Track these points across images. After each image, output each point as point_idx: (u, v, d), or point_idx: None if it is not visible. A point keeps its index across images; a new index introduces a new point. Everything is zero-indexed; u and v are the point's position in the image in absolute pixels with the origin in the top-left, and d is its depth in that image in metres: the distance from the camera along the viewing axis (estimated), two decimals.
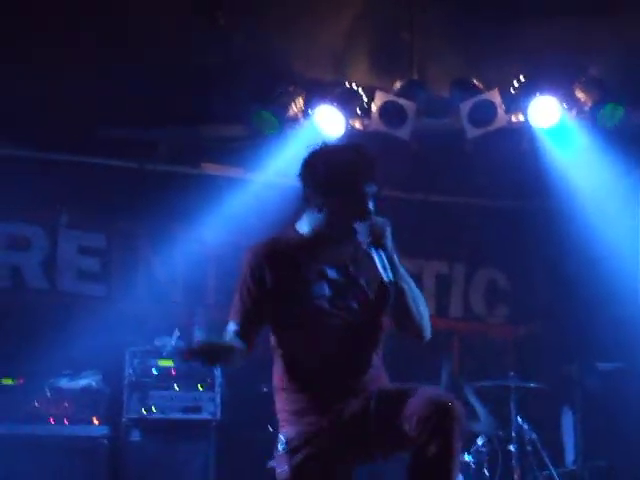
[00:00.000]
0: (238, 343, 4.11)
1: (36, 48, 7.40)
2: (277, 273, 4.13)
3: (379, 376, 4.23)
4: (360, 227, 4.00)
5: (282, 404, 4.23)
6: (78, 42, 7.47)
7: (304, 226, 4.24)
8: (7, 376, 7.84)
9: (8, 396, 7.75)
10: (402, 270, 4.04)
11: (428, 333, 4.15)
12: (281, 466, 4.09)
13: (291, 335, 4.20)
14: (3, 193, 8.29)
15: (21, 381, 7.88)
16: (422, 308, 4.11)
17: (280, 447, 4.11)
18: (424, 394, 3.93)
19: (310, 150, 4.23)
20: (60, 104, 7.86)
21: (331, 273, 4.15)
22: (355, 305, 4.15)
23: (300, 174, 4.20)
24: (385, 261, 3.95)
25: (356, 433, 4.03)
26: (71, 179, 8.46)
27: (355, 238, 4.04)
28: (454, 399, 3.94)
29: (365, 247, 4.01)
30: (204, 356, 3.89)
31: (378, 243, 3.98)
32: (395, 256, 4.01)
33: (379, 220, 4.04)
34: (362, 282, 4.17)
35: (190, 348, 3.89)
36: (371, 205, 4.10)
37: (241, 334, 4.17)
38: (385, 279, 3.97)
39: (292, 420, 4.15)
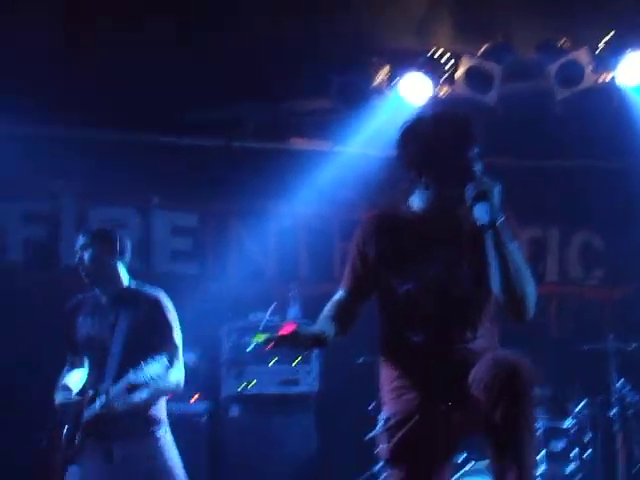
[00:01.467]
0: (337, 315, 4.13)
1: (123, 33, 7.48)
2: (383, 246, 4.11)
3: (488, 349, 4.04)
4: (468, 188, 3.85)
5: (383, 380, 4.22)
6: (161, 26, 7.51)
7: (415, 203, 4.16)
8: None
9: None
10: (509, 240, 3.83)
11: (529, 315, 3.87)
12: (381, 444, 4.08)
13: (392, 310, 4.15)
14: (96, 177, 8.42)
15: None
16: (527, 288, 3.84)
17: (379, 425, 4.10)
18: (489, 357, 3.83)
19: (401, 130, 4.12)
20: (147, 87, 7.92)
21: (438, 250, 4.02)
22: (460, 282, 4.00)
23: (398, 156, 4.11)
24: (485, 210, 3.80)
25: (452, 414, 3.96)
26: (161, 161, 8.53)
27: (467, 205, 3.86)
28: (522, 358, 3.79)
29: (469, 203, 3.83)
30: (287, 346, 3.91)
31: (482, 198, 3.81)
32: (501, 218, 3.81)
33: (487, 180, 3.87)
34: (469, 260, 3.99)
35: (272, 339, 3.87)
36: (477, 167, 3.96)
37: (346, 303, 4.19)
38: (480, 223, 3.81)
39: (391, 398, 4.12)
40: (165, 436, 5.46)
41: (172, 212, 8.98)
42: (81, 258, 5.56)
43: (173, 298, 8.29)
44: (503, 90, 7.89)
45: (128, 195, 8.85)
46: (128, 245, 5.71)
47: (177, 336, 5.55)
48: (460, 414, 3.92)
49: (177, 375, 5.47)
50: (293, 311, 8.30)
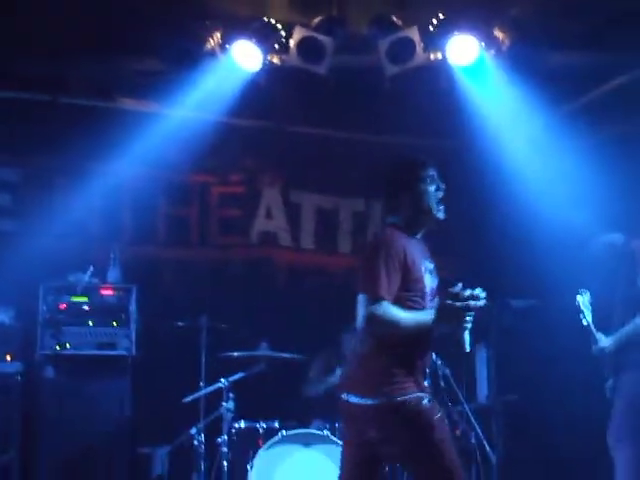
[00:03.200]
0: None
1: None
2: (410, 257, 4.73)
3: None
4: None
5: (390, 365, 4.69)
6: None
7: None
8: None
9: None
10: None
11: None
12: (432, 415, 4.67)
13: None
14: None
15: None
16: None
17: (425, 401, 4.68)
18: None
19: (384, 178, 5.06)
20: None
21: (429, 266, 4.87)
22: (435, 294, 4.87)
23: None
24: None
25: None
26: None
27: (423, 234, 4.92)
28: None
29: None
30: None
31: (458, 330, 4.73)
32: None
33: (455, 312, 4.56)
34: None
35: None
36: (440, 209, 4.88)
37: None
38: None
39: (412, 380, 4.71)
40: None
41: None
42: None
43: None
44: (335, 62, 7.93)
45: None
46: None
47: None
48: None
49: None
50: (113, 273, 8.24)
